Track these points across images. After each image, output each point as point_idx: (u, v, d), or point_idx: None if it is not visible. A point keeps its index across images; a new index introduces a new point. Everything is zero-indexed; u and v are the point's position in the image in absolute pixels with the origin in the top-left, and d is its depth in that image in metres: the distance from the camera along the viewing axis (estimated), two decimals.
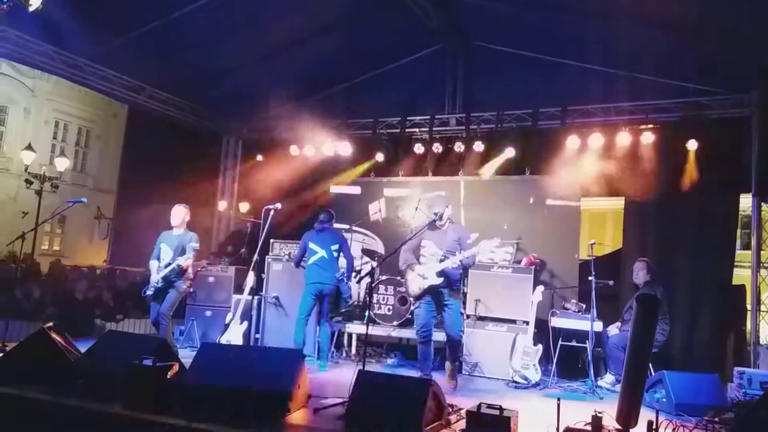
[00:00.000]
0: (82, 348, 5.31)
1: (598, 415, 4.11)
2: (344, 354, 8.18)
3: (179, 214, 6.91)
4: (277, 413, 4.36)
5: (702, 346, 7.72)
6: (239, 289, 8.00)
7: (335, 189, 10.36)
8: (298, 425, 4.36)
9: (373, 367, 7.22)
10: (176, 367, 4.71)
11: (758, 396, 5.43)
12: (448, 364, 6.34)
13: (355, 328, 8.19)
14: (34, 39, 8.18)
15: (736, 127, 8.13)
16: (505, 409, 4.01)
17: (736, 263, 8.13)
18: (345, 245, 7.42)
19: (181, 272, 6.67)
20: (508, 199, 9.24)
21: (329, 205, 9.36)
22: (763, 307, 8.26)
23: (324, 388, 5.40)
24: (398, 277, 8.19)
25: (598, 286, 6.84)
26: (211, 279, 8.79)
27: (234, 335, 7.34)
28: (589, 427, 4.04)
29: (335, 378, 6.34)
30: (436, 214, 6.21)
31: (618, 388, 5.18)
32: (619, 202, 9.31)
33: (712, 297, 7.83)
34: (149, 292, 6.68)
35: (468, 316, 7.52)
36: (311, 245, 7.29)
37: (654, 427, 4.08)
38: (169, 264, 6.62)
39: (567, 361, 7.21)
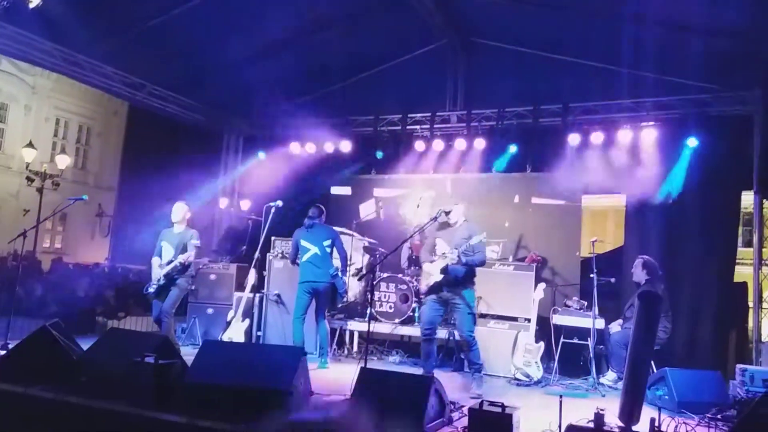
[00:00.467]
0: (84, 346, 5.31)
1: (601, 412, 4.10)
2: (346, 351, 8.18)
3: (180, 211, 6.91)
4: (279, 410, 4.36)
5: (704, 343, 7.71)
6: (241, 287, 8.00)
7: (336, 190, 10.37)
8: (300, 422, 4.36)
9: (374, 364, 7.22)
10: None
11: (760, 393, 5.43)
12: (474, 374, 6.11)
13: (357, 325, 8.19)
14: (34, 36, 8.16)
15: (738, 125, 8.12)
16: (507, 407, 4.01)
17: (737, 260, 8.12)
18: (338, 240, 7.31)
19: (182, 269, 6.67)
20: (510, 197, 9.23)
21: (327, 201, 9.34)
22: (765, 305, 8.25)
23: (326, 386, 5.40)
24: (400, 275, 8.20)
25: (600, 284, 6.84)
26: (212, 276, 8.80)
27: (236, 333, 7.35)
28: (591, 425, 4.04)
29: (337, 375, 6.34)
30: (442, 211, 6.16)
31: (620, 385, 5.18)
32: (620, 200, 9.30)
33: (714, 294, 7.82)
34: (151, 290, 6.68)
35: None
36: (303, 243, 7.19)
37: (656, 424, 4.07)
38: (171, 261, 6.62)
39: (569, 358, 7.21)
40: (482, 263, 6.10)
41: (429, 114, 9.90)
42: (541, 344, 6.90)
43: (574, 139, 8.73)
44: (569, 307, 7.39)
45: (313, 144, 10.49)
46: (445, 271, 5.92)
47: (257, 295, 8.16)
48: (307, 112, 10.02)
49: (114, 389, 4.50)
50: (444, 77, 10.20)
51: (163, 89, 10.21)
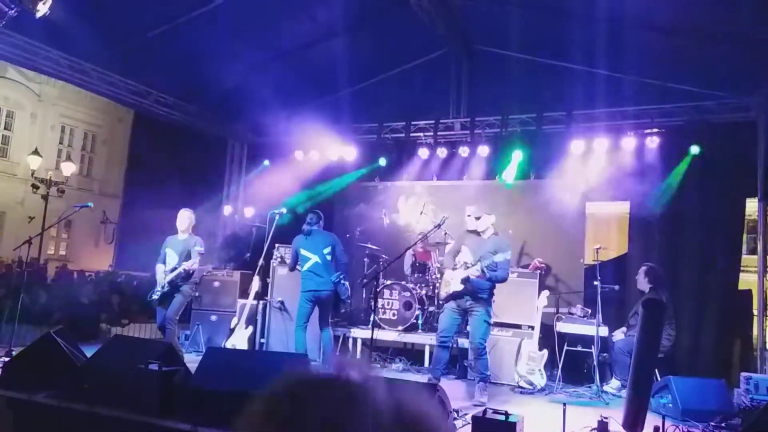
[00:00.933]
0: (89, 352, 5.32)
1: (604, 420, 4.10)
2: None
3: (184, 218, 6.93)
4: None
5: (708, 351, 7.69)
6: (244, 294, 8.01)
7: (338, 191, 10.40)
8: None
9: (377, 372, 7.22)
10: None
11: (765, 401, 5.41)
12: (479, 382, 6.09)
13: (360, 332, 8.19)
14: (41, 44, 8.22)
15: (741, 131, 8.10)
16: (510, 415, 4.00)
17: (742, 268, 8.10)
18: (338, 246, 7.23)
19: (186, 276, 6.69)
20: (513, 204, 9.23)
21: (329, 209, 9.36)
22: None
23: None
24: (403, 282, 8.20)
25: (604, 291, 6.83)
26: (216, 283, 8.81)
27: (239, 340, 7.35)
28: None
29: None
30: (471, 216, 6.15)
31: (624, 393, 5.17)
32: (624, 207, 9.29)
33: (718, 302, 7.79)
34: (155, 297, 6.70)
35: None
36: (302, 251, 7.12)
37: None
38: (175, 268, 6.64)
39: (572, 366, 7.19)
40: (504, 280, 6.07)
41: (433, 121, 9.92)
42: (545, 352, 6.89)
43: (577, 146, 8.74)
44: (573, 314, 7.37)
45: (317, 151, 10.53)
46: (465, 281, 5.88)
47: (261, 302, 8.16)
48: (311, 119, 10.04)
49: (118, 396, 4.51)
50: (447, 85, 10.22)
51: (169, 97, 10.26)
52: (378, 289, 7.85)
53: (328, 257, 7.10)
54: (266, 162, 11.01)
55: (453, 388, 6.24)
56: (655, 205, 8.17)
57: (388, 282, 8.21)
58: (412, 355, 8.19)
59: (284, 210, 7.68)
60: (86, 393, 4.65)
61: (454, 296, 6.01)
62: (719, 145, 8.05)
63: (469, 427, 4.23)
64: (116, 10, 7.85)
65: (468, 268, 5.89)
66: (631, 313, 7.13)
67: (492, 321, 7.42)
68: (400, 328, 7.93)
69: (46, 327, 6.62)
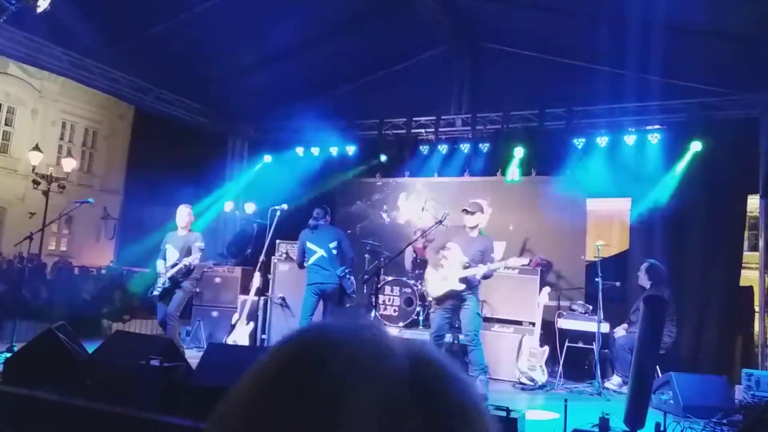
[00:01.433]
0: (90, 348, 5.33)
1: (606, 416, 4.10)
2: None
3: (184, 214, 6.93)
4: None
5: (710, 347, 7.69)
6: (245, 290, 8.01)
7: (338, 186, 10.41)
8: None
9: None
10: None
11: (766, 398, 5.41)
12: (478, 377, 6.02)
13: None
14: (41, 40, 8.21)
15: (743, 128, 8.10)
16: (512, 411, 4.00)
17: (743, 264, 8.10)
18: (344, 240, 7.23)
19: (187, 272, 6.70)
20: (515, 200, 9.23)
21: (333, 204, 9.36)
22: None
23: None
24: (404, 278, 8.20)
25: (605, 288, 6.83)
26: (217, 279, 8.81)
27: (240, 336, 7.35)
28: (596, 429, 4.03)
29: None
30: (464, 209, 6.15)
31: (625, 389, 5.17)
32: (625, 203, 9.28)
33: (719, 298, 7.79)
34: (156, 293, 6.71)
35: None
36: (309, 245, 7.13)
37: (661, 429, 4.07)
38: (176, 264, 6.64)
39: (574, 362, 7.19)
40: (490, 277, 6.15)
41: (434, 117, 9.91)
42: (546, 348, 6.89)
43: (579, 142, 8.73)
44: (574, 311, 7.37)
45: (318, 147, 10.52)
46: (465, 280, 5.88)
47: (262, 298, 8.17)
48: (313, 115, 10.04)
49: (119, 392, 4.51)
50: (449, 81, 10.21)
51: (170, 93, 10.25)
52: (379, 286, 7.86)
53: (334, 251, 7.10)
54: (267, 157, 10.99)
55: None
56: (657, 202, 8.17)
57: (389, 278, 8.21)
58: None
59: (285, 206, 7.67)
60: (87, 388, 4.65)
61: (451, 295, 5.98)
62: (721, 142, 8.03)
63: None
64: (118, 6, 7.84)
65: (467, 268, 5.86)
66: (632, 310, 7.12)
67: (494, 317, 7.49)
68: (401, 324, 7.94)
69: (47, 322, 6.61)
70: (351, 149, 10.28)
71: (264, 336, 8.26)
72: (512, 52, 9.48)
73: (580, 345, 7.11)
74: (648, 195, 8.26)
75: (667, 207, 8.16)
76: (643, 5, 7.22)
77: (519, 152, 9.07)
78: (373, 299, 6.59)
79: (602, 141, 8.63)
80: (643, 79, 8.50)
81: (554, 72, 9.13)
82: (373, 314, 6.72)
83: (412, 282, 8.09)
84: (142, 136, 20.16)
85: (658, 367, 6.06)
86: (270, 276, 8.37)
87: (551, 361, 6.99)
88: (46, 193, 13.12)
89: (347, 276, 7.10)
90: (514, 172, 9.18)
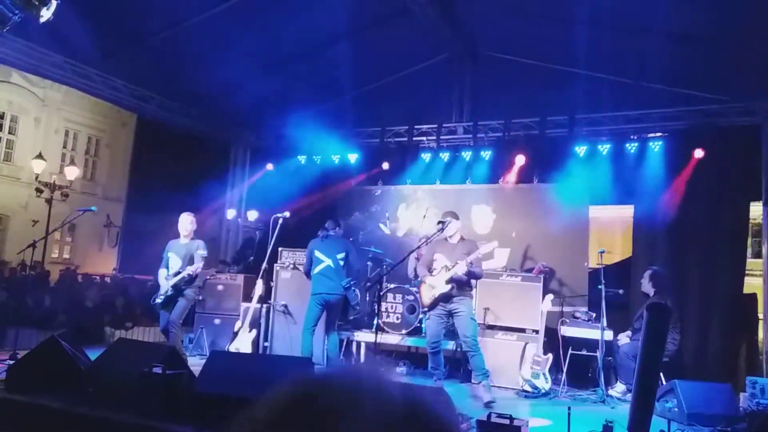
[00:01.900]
0: (92, 356, 5.33)
1: (609, 424, 4.08)
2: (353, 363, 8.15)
3: (186, 222, 6.94)
4: None
5: (714, 355, 7.66)
6: (248, 297, 8.01)
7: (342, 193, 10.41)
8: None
9: None
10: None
11: None
12: (481, 383, 6.10)
13: (364, 336, 8.17)
14: (45, 49, 8.26)
15: (746, 135, 8.11)
16: (515, 419, 3.99)
17: (747, 271, 8.08)
18: (352, 252, 7.30)
19: (190, 280, 6.70)
20: (517, 208, 9.23)
21: (335, 212, 9.37)
22: None
23: None
24: (407, 286, 8.19)
25: (608, 295, 6.81)
26: (220, 287, 8.81)
27: (243, 343, 7.35)
28: None
29: None
30: (440, 222, 6.29)
31: (629, 397, 5.15)
32: (628, 211, 9.28)
33: (723, 306, 7.77)
34: (158, 301, 6.71)
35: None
36: (317, 254, 7.19)
37: None
38: (178, 272, 6.65)
39: (577, 370, 7.17)
40: (481, 277, 6.39)
41: (436, 125, 9.93)
42: (549, 356, 6.87)
43: (581, 150, 8.74)
44: (577, 318, 7.36)
45: (320, 156, 10.55)
46: (450, 281, 6.04)
47: (264, 305, 8.16)
48: (314, 123, 10.07)
49: (121, 400, 4.50)
50: (450, 89, 10.24)
51: (172, 101, 10.29)
52: (381, 293, 7.86)
53: (341, 262, 7.13)
54: (269, 165, 11.02)
55: (457, 392, 6.23)
56: (660, 209, 8.16)
57: (392, 286, 8.20)
58: (416, 358, 8.17)
59: (287, 213, 7.68)
60: (90, 396, 4.65)
61: (441, 299, 6.13)
62: (723, 149, 8.04)
63: (474, 431, 4.21)
64: (120, 15, 7.88)
65: (449, 270, 6.07)
66: (635, 317, 7.11)
67: (497, 324, 7.47)
68: (403, 331, 7.92)
69: (50, 330, 6.63)
70: (353, 157, 10.30)
71: (266, 343, 8.25)
72: (513, 60, 9.50)
73: (584, 352, 7.09)
74: (651, 202, 8.25)
75: (669, 214, 8.16)
76: (644, 13, 7.25)
77: (520, 160, 9.08)
78: (376, 307, 6.58)
79: (604, 148, 8.64)
80: (644, 86, 8.52)
81: (555, 80, 9.14)
82: (376, 322, 6.71)
83: (415, 289, 8.08)
84: (145, 145, 20.24)
85: (662, 374, 6.05)
86: (272, 283, 8.36)
87: (555, 368, 6.98)
88: (49, 201, 13.18)
89: (352, 287, 7.12)
90: (510, 179, 9.21)
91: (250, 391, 4.47)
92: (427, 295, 6.24)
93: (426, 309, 6.42)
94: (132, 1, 7.79)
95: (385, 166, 10.11)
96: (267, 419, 0.66)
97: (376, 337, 6.00)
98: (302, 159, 10.69)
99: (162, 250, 7.04)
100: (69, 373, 4.95)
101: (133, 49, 8.65)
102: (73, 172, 15.94)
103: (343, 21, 8.76)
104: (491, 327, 7.51)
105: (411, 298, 7.99)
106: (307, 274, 7.38)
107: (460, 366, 7.66)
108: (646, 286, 6.97)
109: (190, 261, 6.71)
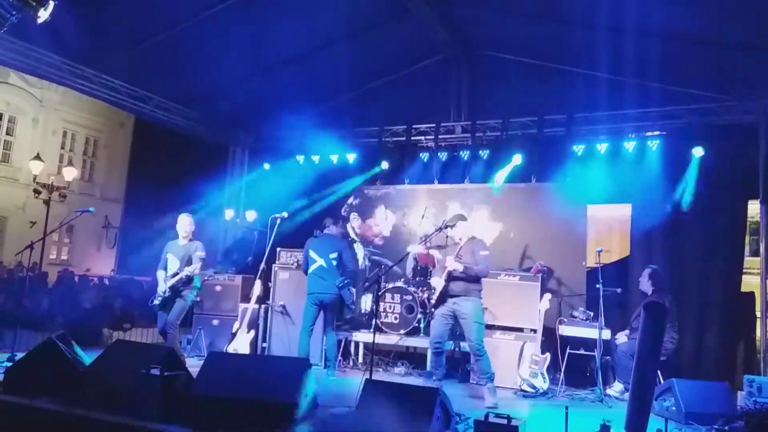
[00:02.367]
0: (90, 357, 5.33)
1: (607, 423, 4.09)
2: (351, 363, 8.16)
3: (184, 223, 6.94)
4: (284, 423, 4.36)
5: (711, 353, 7.67)
6: (246, 298, 8.00)
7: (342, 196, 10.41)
8: None
9: (380, 375, 7.21)
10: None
11: None
12: (486, 385, 6.09)
13: (362, 336, 8.17)
14: (42, 50, 8.25)
15: (743, 134, 8.11)
16: (513, 418, 3.99)
17: (744, 270, 8.08)
18: (346, 252, 7.30)
19: (188, 281, 6.70)
20: (515, 207, 9.23)
21: (330, 213, 9.37)
22: None
23: (331, 397, 5.39)
24: (405, 286, 8.19)
25: (606, 294, 6.81)
26: (218, 288, 8.80)
27: (241, 344, 7.35)
28: None
29: (342, 387, 6.33)
30: (446, 224, 6.31)
31: (627, 396, 5.14)
32: (626, 209, 9.29)
33: (720, 304, 7.78)
34: (156, 302, 6.71)
35: None
36: (311, 253, 7.23)
37: None
38: (177, 273, 6.65)
39: (575, 369, 7.17)
40: (484, 275, 6.21)
41: (434, 125, 9.94)
42: (547, 355, 6.87)
43: (579, 148, 8.74)
44: (575, 317, 7.36)
45: (318, 155, 10.55)
46: (447, 278, 6.03)
47: (262, 306, 8.16)
48: (313, 123, 10.07)
49: (119, 401, 4.50)
50: (448, 88, 10.24)
51: (170, 102, 10.28)
52: (380, 293, 7.86)
53: (334, 262, 7.15)
54: (266, 165, 11.03)
55: (455, 392, 6.23)
56: (657, 208, 8.16)
57: (390, 286, 8.20)
58: (414, 358, 8.18)
59: (285, 214, 7.68)
60: (87, 398, 4.65)
61: (441, 298, 6.12)
62: (721, 148, 8.05)
63: (471, 431, 4.22)
64: (117, 16, 7.87)
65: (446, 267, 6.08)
66: (633, 316, 7.11)
67: (495, 324, 7.47)
68: (402, 331, 7.92)
69: (48, 332, 6.60)
70: (351, 157, 10.30)
71: (265, 344, 8.25)
72: (511, 60, 9.52)
73: (582, 352, 7.09)
74: (648, 201, 8.26)
75: (667, 213, 8.16)
76: (641, 12, 7.24)
77: (516, 159, 9.09)
78: (374, 307, 6.58)
79: (602, 147, 8.64)
80: (642, 85, 8.53)
81: (553, 79, 9.15)
82: (374, 322, 6.70)
83: (413, 289, 8.08)
84: (143, 145, 20.27)
85: (659, 373, 6.06)
86: (270, 284, 8.36)
87: (553, 368, 6.98)
88: (47, 202, 13.17)
89: (346, 287, 7.12)
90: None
91: (248, 392, 4.48)
92: (434, 296, 6.29)
93: (432, 309, 6.41)
94: (130, 1, 7.77)
95: (385, 165, 10.11)
96: None
97: (374, 337, 5.98)
98: (300, 159, 10.68)
99: (160, 251, 7.05)
100: (66, 375, 4.95)
101: (131, 50, 8.63)
102: (71, 173, 15.93)
103: (341, 21, 8.76)
104: (489, 326, 7.49)
105: (409, 298, 7.99)
106: (305, 272, 7.41)
107: (459, 366, 7.66)
108: (645, 285, 6.98)
109: (189, 262, 6.72)
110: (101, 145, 23.68)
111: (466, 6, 8.78)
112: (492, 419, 4.03)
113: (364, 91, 10.66)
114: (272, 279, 8.37)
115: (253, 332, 7.68)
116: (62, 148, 22.16)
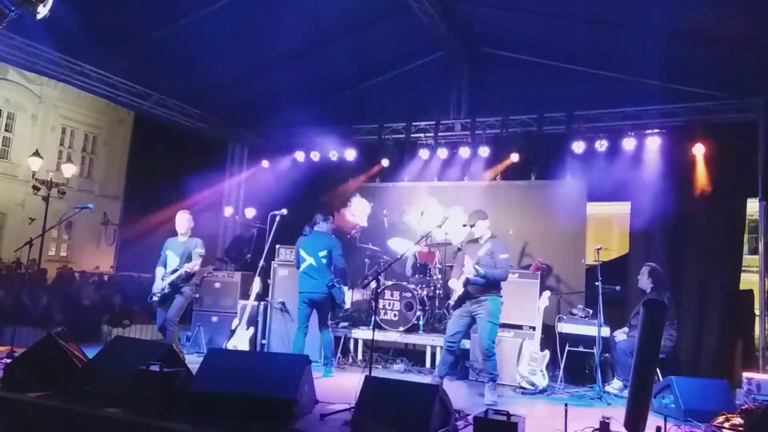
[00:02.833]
0: (90, 354, 5.33)
1: (606, 420, 4.09)
2: (350, 360, 8.16)
3: (183, 220, 6.94)
4: (284, 419, 4.37)
5: (710, 351, 7.67)
6: (245, 295, 8.01)
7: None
8: (305, 431, 4.36)
9: (379, 372, 7.21)
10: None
11: (767, 402, 5.40)
12: (488, 383, 6.12)
13: (361, 333, 8.18)
14: (41, 46, 8.23)
15: (742, 132, 8.10)
16: (512, 415, 4.00)
17: (743, 268, 8.09)
18: (335, 250, 7.15)
19: (187, 278, 6.70)
20: (515, 205, 9.23)
21: (330, 210, 9.34)
22: None
23: (330, 394, 5.39)
24: (404, 283, 8.19)
25: (605, 292, 6.82)
26: (217, 285, 8.81)
27: (240, 341, 7.35)
28: None
29: (341, 384, 6.33)
30: (467, 225, 6.35)
31: (626, 393, 5.16)
32: (625, 207, 9.29)
33: (719, 302, 7.78)
34: (156, 298, 6.71)
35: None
36: (301, 252, 7.17)
37: None
38: (176, 270, 6.64)
39: (574, 366, 7.18)
40: (502, 278, 6.18)
41: (433, 122, 9.92)
42: (547, 352, 6.88)
43: (578, 146, 8.74)
44: (574, 315, 7.36)
45: (317, 152, 10.54)
46: (466, 283, 6.08)
47: (262, 303, 8.17)
48: (312, 120, 10.06)
49: (119, 397, 4.51)
50: (448, 85, 10.23)
51: (169, 98, 10.27)
52: (379, 290, 7.85)
53: (323, 260, 7.06)
54: (265, 163, 11.03)
55: (455, 389, 6.24)
56: (657, 205, 8.16)
57: (389, 283, 8.20)
58: (413, 355, 8.19)
59: (285, 211, 7.67)
60: (87, 394, 4.65)
61: (460, 301, 6.16)
62: (720, 145, 8.04)
63: (471, 428, 4.22)
64: (117, 12, 7.84)
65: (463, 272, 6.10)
66: (632, 314, 7.11)
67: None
68: (401, 329, 7.93)
69: (48, 328, 6.61)
70: (351, 154, 10.29)
71: (264, 341, 8.26)
72: (511, 57, 9.51)
73: (581, 349, 7.09)
74: (648, 199, 8.26)
75: (666, 211, 8.16)
76: (642, 10, 7.24)
77: (514, 157, 9.09)
78: (373, 304, 6.58)
79: (601, 145, 8.64)
80: (642, 83, 8.53)
81: (553, 76, 9.15)
82: (373, 319, 6.70)
83: (413, 287, 8.09)
84: (142, 142, 20.22)
85: (658, 370, 6.07)
86: (270, 281, 8.37)
87: (552, 365, 6.98)
88: (46, 199, 13.14)
89: (336, 285, 7.05)
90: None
91: (247, 389, 4.48)
92: (452, 297, 6.33)
93: (451, 309, 6.46)
94: None
95: (385, 163, 10.10)
96: None
97: (373, 334, 5.98)
98: (300, 156, 10.67)
99: (160, 248, 7.05)
100: (66, 372, 4.96)
101: (130, 46, 8.62)
102: (70, 170, 15.90)
103: (341, 17, 8.75)
104: None
105: (408, 295, 7.99)
106: (299, 269, 7.37)
107: (458, 363, 7.67)
108: (645, 282, 6.98)
109: (188, 259, 6.72)
110: (100, 141, 23.66)
111: (466, 2, 8.77)
112: (491, 416, 4.03)
113: (364, 87, 10.66)
114: (271, 276, 8.38)
115: (252, 329, 7.68)
116: (61, 144, 22.14)
